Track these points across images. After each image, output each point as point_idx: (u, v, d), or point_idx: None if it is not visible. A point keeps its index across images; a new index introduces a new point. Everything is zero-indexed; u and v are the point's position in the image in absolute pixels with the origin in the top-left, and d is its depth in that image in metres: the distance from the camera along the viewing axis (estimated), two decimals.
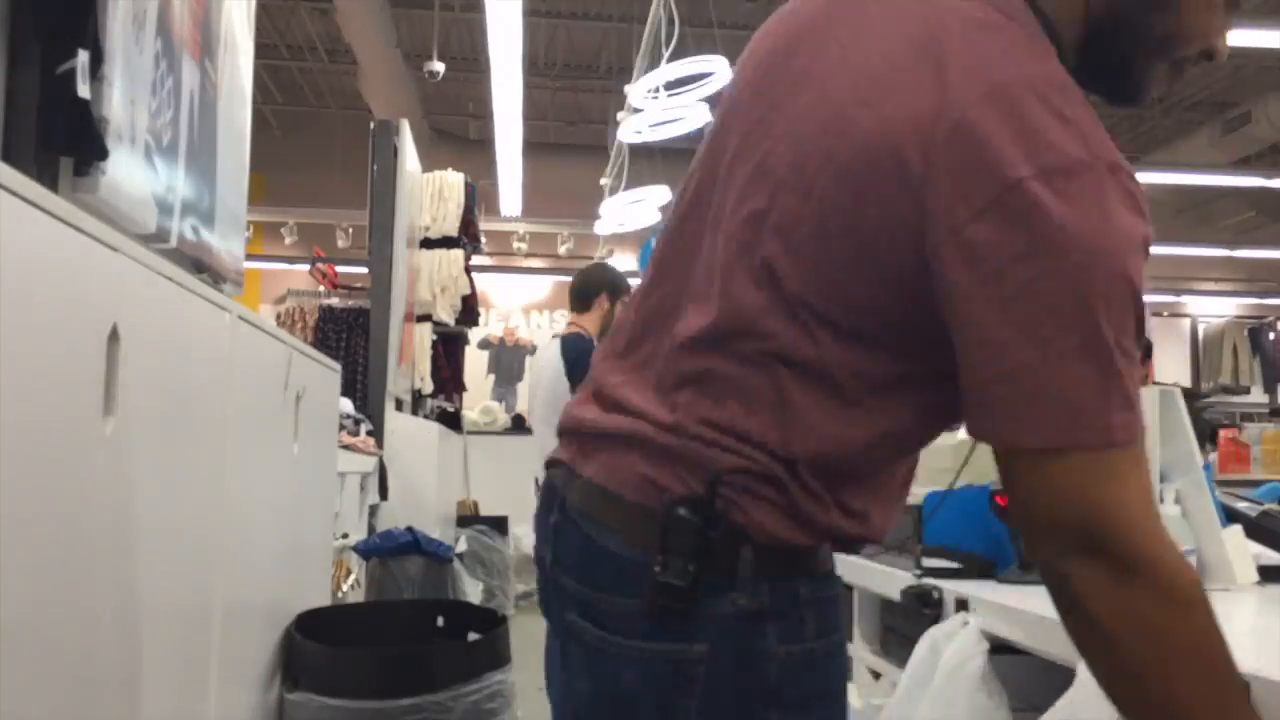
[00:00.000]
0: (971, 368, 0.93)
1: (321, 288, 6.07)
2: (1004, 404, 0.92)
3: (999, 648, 1.52)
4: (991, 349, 0.91)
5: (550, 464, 1.16)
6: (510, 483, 8.27)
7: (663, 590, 0.99)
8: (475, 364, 10.61)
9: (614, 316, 3.98)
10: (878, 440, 1.02)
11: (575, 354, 3.98)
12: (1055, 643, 1.36)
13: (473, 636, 2.31)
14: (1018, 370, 0.90)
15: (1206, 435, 5.42)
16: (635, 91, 5.82)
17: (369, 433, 4.32)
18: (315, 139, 11.83)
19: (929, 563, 1.90)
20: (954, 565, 1.87)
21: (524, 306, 13.81)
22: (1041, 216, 0.87)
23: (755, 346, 1.00)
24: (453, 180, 6.53)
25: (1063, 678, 1.28)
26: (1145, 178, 9.31)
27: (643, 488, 1.03)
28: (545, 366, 4.15)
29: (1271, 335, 12.18)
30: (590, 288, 4.14)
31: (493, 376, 12.04)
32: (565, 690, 1.11)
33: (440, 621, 2.41)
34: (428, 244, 6.34)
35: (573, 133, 12.10)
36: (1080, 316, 0.88)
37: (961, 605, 1.66)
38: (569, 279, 14.08)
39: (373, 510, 4.17)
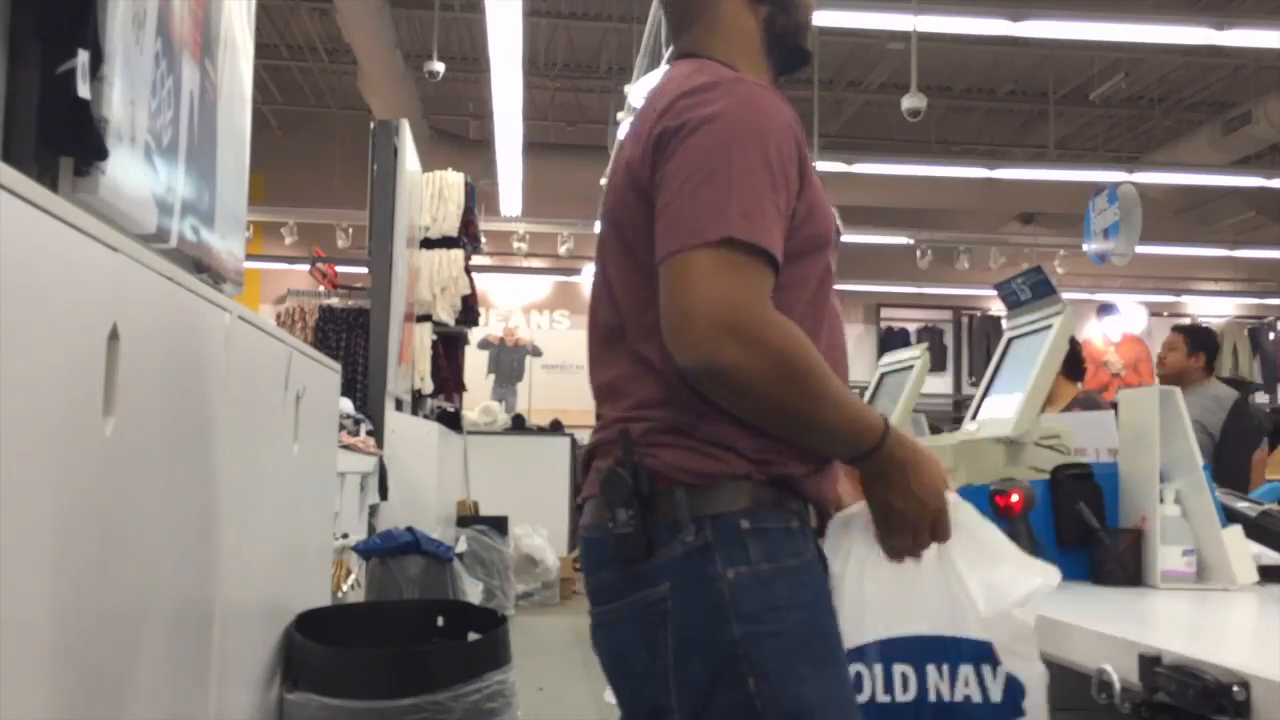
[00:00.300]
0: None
1: (321, 288, 6.07)
2: (660, 228, 1.23)
3: None
4: (660, 201, 1.24)
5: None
6: (510, 483, 8.30)
7: (619, 542, 1.23)
8: (475, 364, 10.62)
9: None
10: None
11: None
12: (1075, 651, 1.36)
13: (473, 636, 2.31)
14: (667, 204, 1.23)
15: (1266, 431, 5.05)
16: (635, 91, 5.83)
17: (369, 433, 4.32)
18: (315, 139, 11.83)
19: None
20: None
21: (524, 306, 13.82)
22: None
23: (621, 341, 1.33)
24: (453, 180, 6.53)
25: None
26: (1145, 178, 9.32)
27: (596, 479, 1.30)
28: None
29: (1271, 335, 12.18)
30: None
31: (493, 376, 12.05)
32: (605, 674, 1.33)
33: (440, 621, 2.41)
34: (428, 244, 6.34)
35: (573, 133, 12.11)
36: (707, 156, 1.22)
37: None
38: (569, 279, 14.07)
39: (373, 510, 4.17)
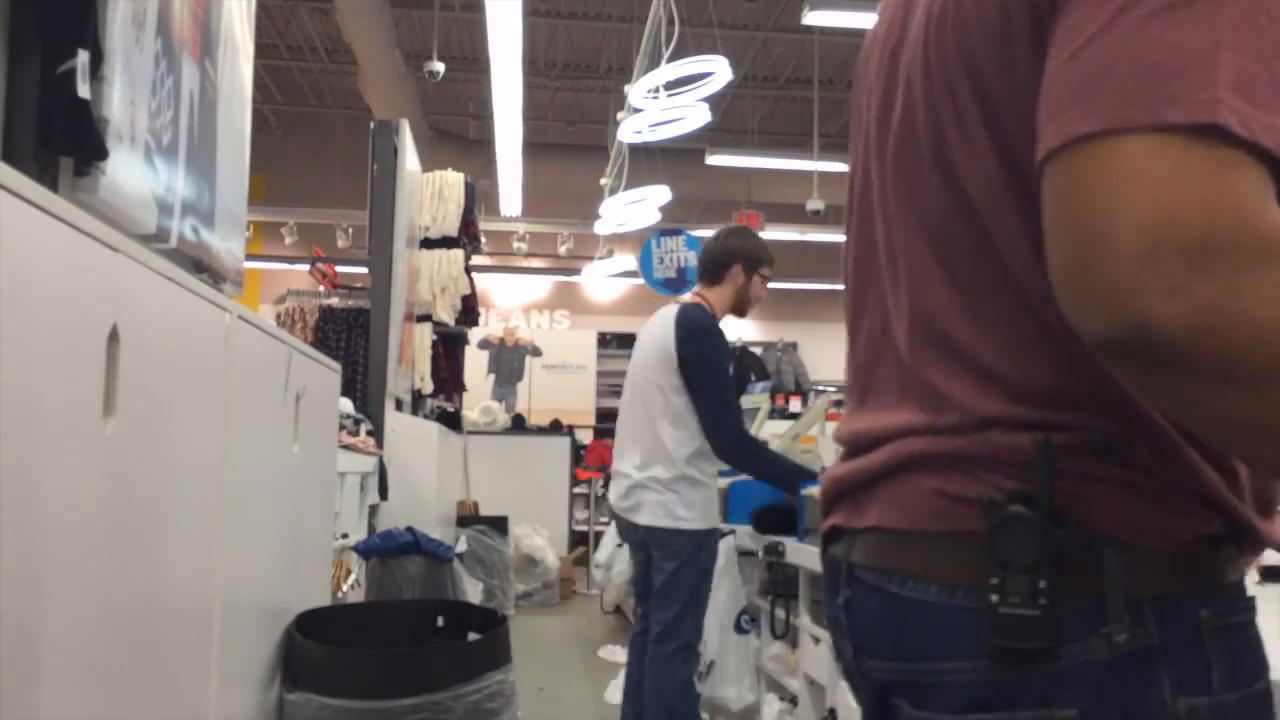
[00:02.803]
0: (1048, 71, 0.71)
1: (321, 288, 6.06)
2: (1064, 90, 0.68)
3: None
4: (1066, 38, 0.69)
5: (826, 539, 0.96)
6: (510, 483, 8.31)
7: (1006, 627, 0.75)
8: (475, 364, 10.63)
9: (750, 293, 3.39)
10: None
11: (691, 326, 3.28)
12: None
13: (473, 637, 2.31)
14: (1086, 45, 0.67)
15: None
16: (635, 91, 5.83)
17: (369, 433, 4.32)
18: (315, 139, 11.84)
19: None
20: None
21: (524, 306, 13.83)
22: None
23: (984, 274, 0.79)
24: (453, 180, 6.53)
25: None
26: None
27: (947, 510, 0.80)
28: (652, 340, 3.39)
29: None
30: (726, 256, 3.36)
31: (493, 376, 12.05)
32: None
33: (440, 621, 2.41)
34: (428, 244, 6.34)
35: (573, 133, 12.11)
36: None
37: None
38: (569, 279, 14.14)
39: (373, 510, 4.17)
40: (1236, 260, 0.61)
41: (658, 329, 3.40)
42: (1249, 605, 0.80)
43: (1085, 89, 0.67)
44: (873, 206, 0.93)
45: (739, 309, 3.44)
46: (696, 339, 3.26)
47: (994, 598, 0.75)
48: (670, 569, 3.28)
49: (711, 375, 3.23)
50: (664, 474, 3.28)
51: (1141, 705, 0.74)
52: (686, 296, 3.47)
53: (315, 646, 2.01)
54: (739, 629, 3.56)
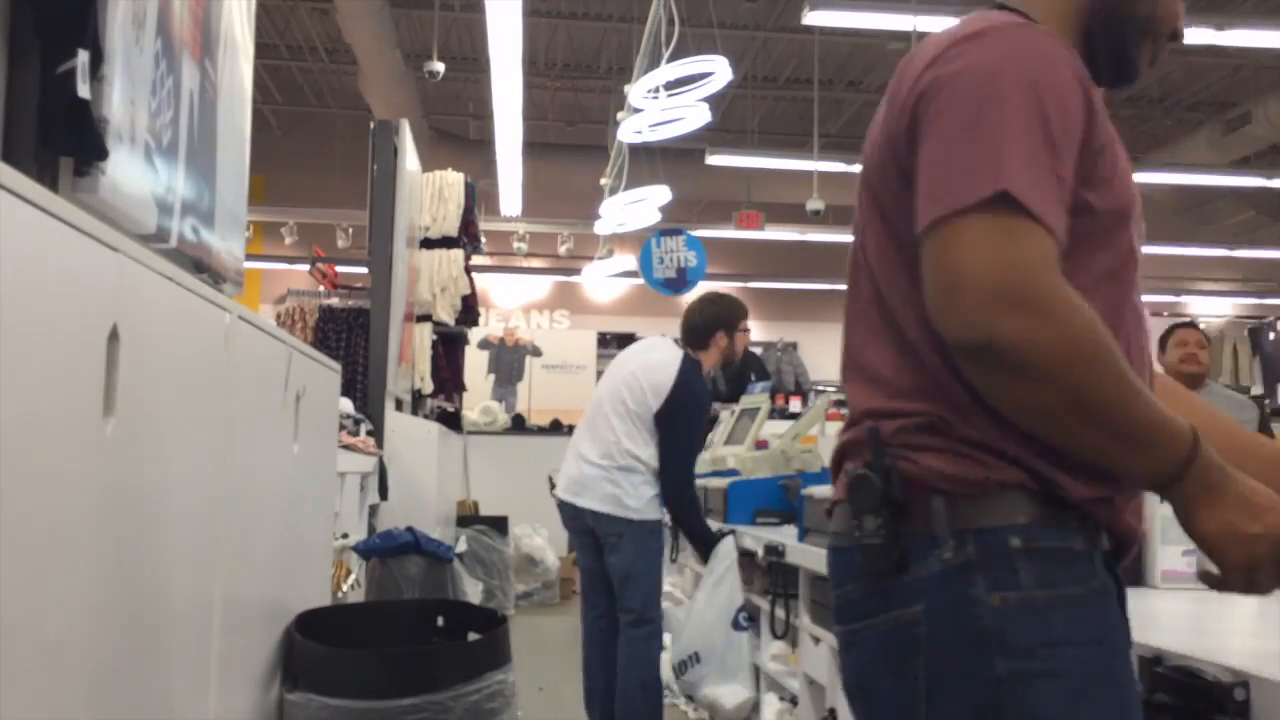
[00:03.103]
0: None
1: (321, 288, 6.06)
2: (922, 191, 1.09)
3: None
4: (923, 165, 1.10)
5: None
6: (510, 483, 8.29)
7: (866, 554, 1.09)
8: (475, 364, 10.62)
9: (735, 349, 3.82)
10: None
11: (686, 388, 3.65)
12: None
13: (473, 637, 2.31)
14: (929, 163, 1.09)
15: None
16: (635, 91, 5.83)
17: (369, 433, 4.32)
18: (315, 139, 11.84)
19: None
20: None
21: (524, 306, 13.82)
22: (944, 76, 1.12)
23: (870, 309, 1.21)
24: (453, 180, 6.53)
25: None
26: (1145, 178, 9.31)
27: (844, 483, 1.16)
28: (650, 369, 3.72)
29: (1271, 335, 12.18)
30: (709, 325, 3.78)
31: (493, 376, 12.05)
32: (847, 699, 1.21)
33: (440, 621, 2.41)
34: (428, 244, 6.34)
35: (573, 133, 12.11)
36: (975, 110, 1.07)
37: None
38: (569, 279, 14.10)
39: (373, 510, 4.18)
40: (1032, 301, 1.00)
41: (656, 368, 3.69)
42: (1063, 536, 1.08)
43: (930, 190, 1.08)
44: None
45: (729, 362, 3.88)
46: (684, 401, 3.64)
47: (856, 534, 1.10)
48: (631, 555, 3.60)
49: (684, 434, 3.67)
50: (616, 464, 3.61)
51: (964, 598, 1.05)
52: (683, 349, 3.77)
53: (315, 646, 2.00)
54: (737, 626, 3.57)
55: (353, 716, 1.91)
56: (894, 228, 1.15)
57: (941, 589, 1.06)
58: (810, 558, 2.91)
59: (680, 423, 3.63)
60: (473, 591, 3.79)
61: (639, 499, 3.60)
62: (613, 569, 3.65)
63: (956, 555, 1.05)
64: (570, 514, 3.76)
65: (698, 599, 3.66)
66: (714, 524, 3.95)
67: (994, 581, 1.04)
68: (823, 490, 2.95)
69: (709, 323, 3.78)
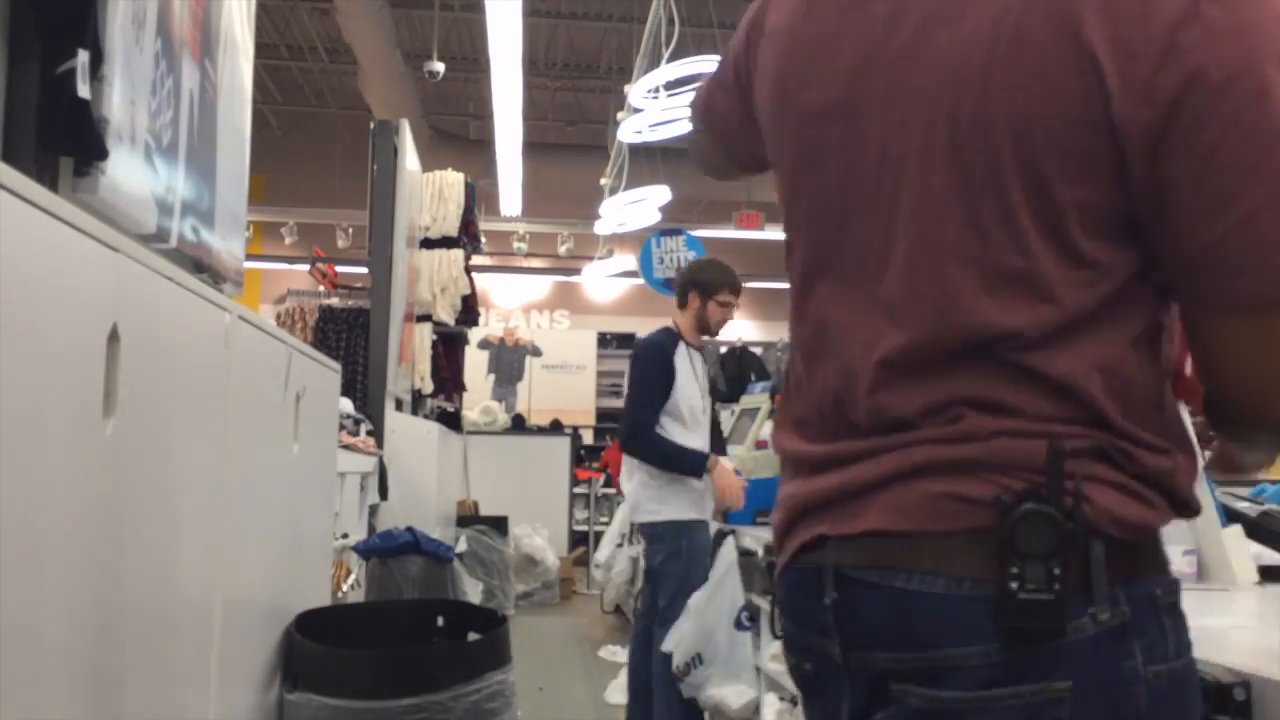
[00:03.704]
0: (1189, 233, 0.84)
1: (321, 288, 6.07)
2: (1248, 256, 0.82)
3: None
4: (1211, 201, 0.82)
5: (802, 550, 1.01)
6: (510, 483, 8.30)
7: (1026, 611, 0.84)
8: (475, 364, 10.62)
9: (708, 315, 3.90)
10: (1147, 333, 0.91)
11: (637, 346, 4.01)
12: None
13: (473, 636, 2.31)
14: (1256, 212, 0.80)
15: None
16: (635, 91, 5.83)
17: (369, 433, 4.32)
18: (315, 139, 11.85)
19: None
20: None
21: (524, 306, 13.83)
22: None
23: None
24: (453, 180, 6.53)
25: None
26: None
27: (955, 510, 0.88)
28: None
29: None
30: (686, 284, 3.96)
31: (493, 376, 12.05)
32: None
33: (440, 621, 2.41)
34: (428, 244, 6.34)
35: (573, 133, 12.12)
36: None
37: None
38: (569, 279, 14.09)
39: (373, 510, 4.18)
40: None
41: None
42: (1179, 585, 0.92)
43: (1264, 258, 0.82)
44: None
45: (704, 329, 3.93)
46: (637, 353, 3.97)
47: (1013, 585, 0.84)
48: (659, 559, 3.79)
49: (631, 385, 3.88)
50: (637, 476, 3.84)
51: (1120, 674, 0.85)
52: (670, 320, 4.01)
53: (315, 646, 2.00)
54: (739, 626, 3.57)
55: (352, 716, 1.91)
56: (1029, 210, 0.87)
57: (1095, 659, 0.84)
58: None
59: (633, 374, 3.89)
60: (473, 591, 3.79)
61: (659, 501, 3.78)
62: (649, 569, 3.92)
63: (1114, 616, 0.85)
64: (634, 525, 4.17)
65: (698, 599, 3.67)
66: (714, 524, 3.94)
67: (1149, 651, 0.86)
68: None
69: (687, 282, 3.95)
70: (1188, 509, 0.91)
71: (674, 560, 3.76)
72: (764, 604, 3.50)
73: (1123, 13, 0.82)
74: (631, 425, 3.81)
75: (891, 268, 0.93)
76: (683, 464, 3.74)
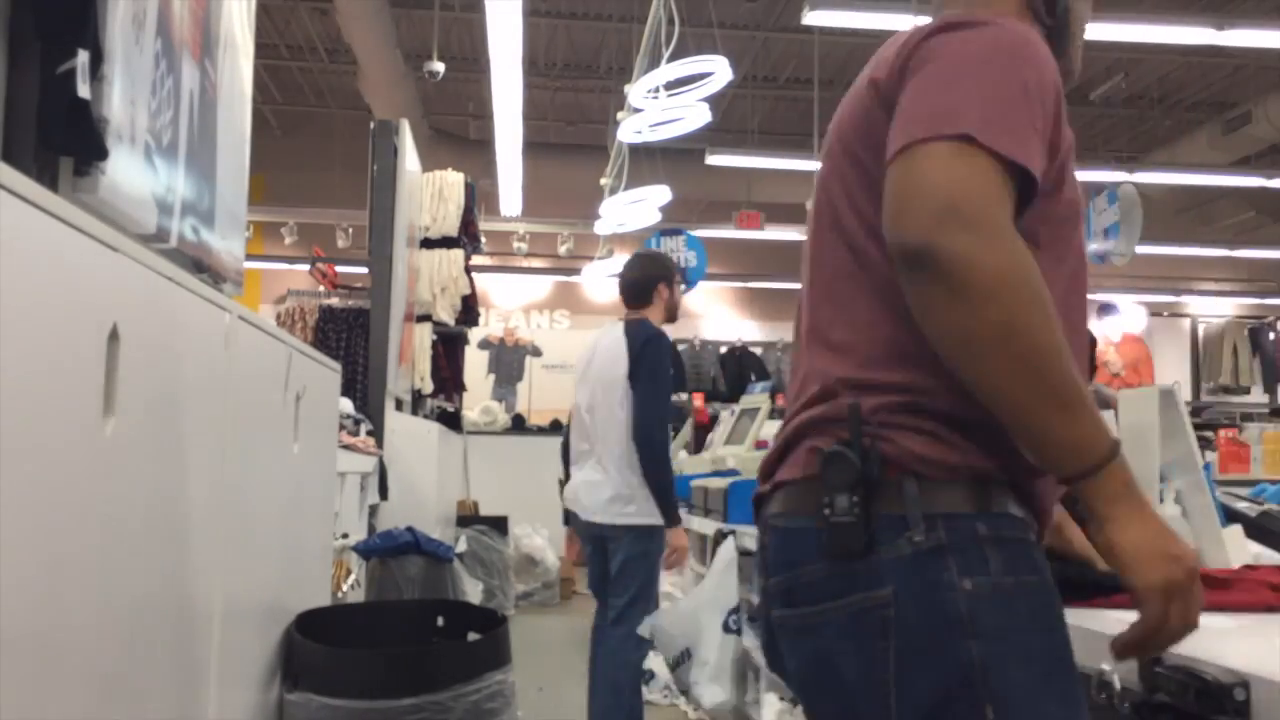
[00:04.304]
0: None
1: (321, 288, 6.07)
2: (896, 126, 1.11)
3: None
4: (899, 108, 1.13)
5: (757, 506, 1.28)
6: (510, 483, 8.30)
7: (836, 533, 1.08)
8: (475, 364, 10.62)
9: (675, 301, 3.86)
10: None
11: (640, 335, 3.71)
12: None
13: (473, 636, 2.31)
14: (905, 106, 1.12)
15: None
16: (635, 91, 5.83)
17: (369, 433, 4.32)
18: (315, 139, 11.84)
19: None
20: None
21: (524, 306, 13.82)
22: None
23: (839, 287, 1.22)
24: (453, 180, 6.53)
25: None
26: (1145, 178, 9.31)
27: (810, 460, 1.15)
28: (602, 352, 3.83)
29: (1271, 335, 12.16)
30: (649, 280, 3.85)
31: (493, 376, 12.05)
32: (795, 689, 1.20)
33: (440, 621, 2.41)
34: (428, 244, 6.34)
35: (573, 133, 12.11)
36: (961, 67, 1.11)
37: None
38: (569, 279, 14.09)
39: (373, 510, 4.18)
40: (981, 227, 1.02)
41: (605, 347, 3.78)
42: (1019, 527, 1.12)
43: (902, 126, 1.10)
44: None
45: (672, 318, 3.89)
46: (653, 346, 3.68)
47: (827, 512, 1.10)
48: (624, 559, 3.68)
49: (650, 374, 3.64)
50: (612, 475, 3.67)
51: (938, 582, 1.06)
52: (623, 317, 3.84)
53: (315, 646, 2.00)
54: (726, 629, 3.58)
55: (353, 716, 1.91)
56: (870, 171, 1.16)
57: (912, 572, 1.06)
58: None
59: (644, 369, 3.64)
60: (473, 591, 3.79)
61: (632, 502, 3.69)
62: (610, 569, 3.78)
63: (928, 539, 1.07)
64: (580, 521, 3.87)
65: (690, 596, 3.68)
66: (713, 524, 3.94)
67: (965, 567, 1.06)
68: None
69: (648, 279, 3.84)
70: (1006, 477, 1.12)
71: (640, 564, 3.69)
72: None
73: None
74: (658, 423, 3.65)
75: None
76: (667, 500, 3.64)
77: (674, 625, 3.60)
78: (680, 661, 3.58)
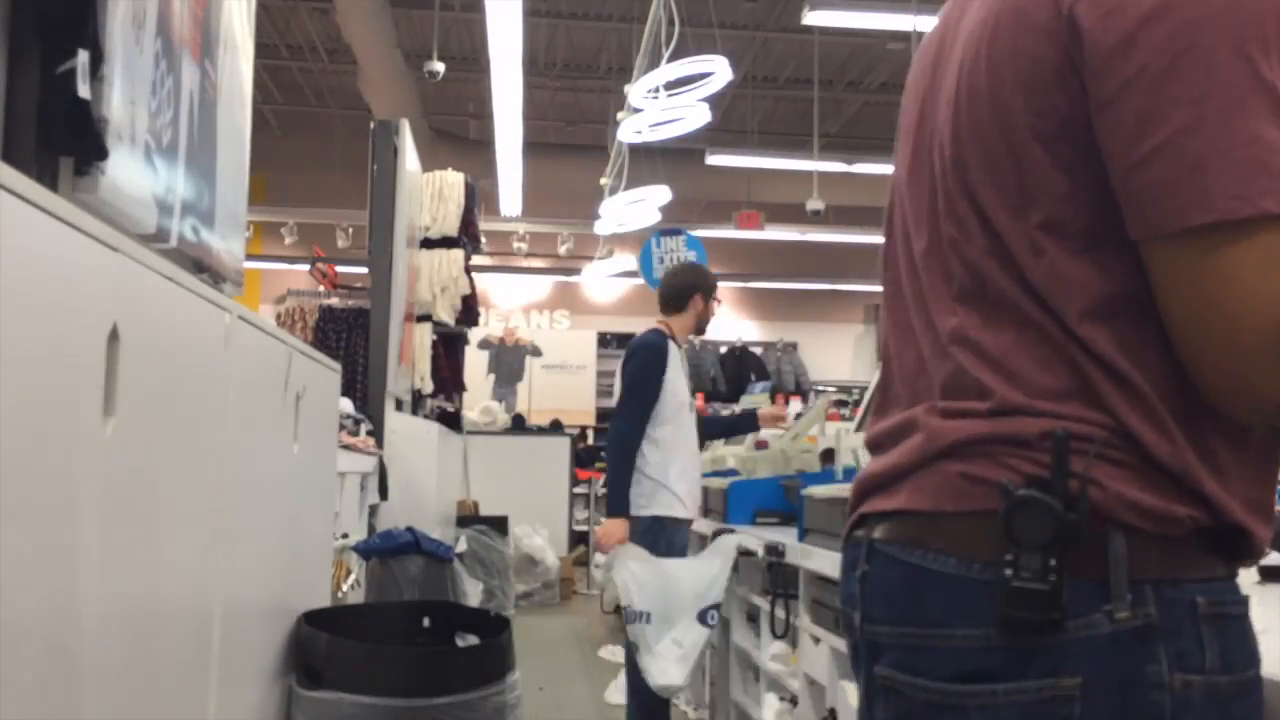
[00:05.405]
0: (1115, 157, 0.82)
1: (321, 288, 6.07)
2: (1161, 184, 0.80)
3: None
4: (1133, 125, 0.81)
5: (854, 525, 1.04)
6: (510, 483, 8.30)
7: (1019, 599, 0.82)
8: (475, 364, 10.62)
9: (708, 314, 4.05)
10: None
11: (631, 347, 3.99)
12: None
13: (471, 638, 2.31)
14: (1171, 139, 0.79)
15: None
16: (635, 91, 5.83)
17: (369, 433, 4.32)
18: (315, 139, 11.84)
19: None
20: None
21: (524, 306, 13.82)
22: None
23: (1003, 289, 0.90)
24: (453, 180, 6.52)
25: None
26: None
27: (969, 492, 0.88)
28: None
29: None
30: (687, 289, 4.06)
31: (493, 376, 12.05)
32: None
33: (425, 622, 2.41)
34: (428, 244, 6.34)
35: (573, 133, 12.11)
36: (1236, 64, 0.78)
37: None
38: (569, 279, 14.11)
39: (373, 510, 4.17)
40: None
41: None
42: (1242, 599, 0.87)
43: (1185, 181, 0.78)
44: (908, 232, 1.03)
45: (699, 329, 4.10)
46: (630, 355, 3.95)
47: (1008, 572, 0.82)
48: None
49: (625, 387, 3.89)
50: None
51: (1139, 677, 0.82)
52: (654, 322, 4.07)
53: (347, 644, 2.03)
54: (702, 621, 3.61)
55: (387, 715, 1.92)
56: (1018, 185, 0.88)
57: (1111, 659, 0.81)
58: (810, 558, 2.91)
59: (623, 373, 3.91)
60: (473, 591, 3.79)
61: (637, 494, 3.81)
62: None
63: (1134, 614, 0.82)
64: None
65: (672, 565, 3.69)
66: (713, 524, 3.95)
67: (1179, 658, 0.81)
68: (823, 490, 2.94)
69: (687, 286, 4.04)
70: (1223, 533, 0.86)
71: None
72: (764, 604, 3.50)
73: None
74: (624, 436, 3.85)
75: None
76: (613, 495, 3.84)
77: (644, 583, 3.61)
78: (636, 619, 3.59)
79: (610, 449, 3.94)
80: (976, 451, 0.88)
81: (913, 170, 1.02)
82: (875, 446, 1.03)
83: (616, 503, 3.83)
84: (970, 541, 0.87)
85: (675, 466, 3.84)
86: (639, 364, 3.90)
